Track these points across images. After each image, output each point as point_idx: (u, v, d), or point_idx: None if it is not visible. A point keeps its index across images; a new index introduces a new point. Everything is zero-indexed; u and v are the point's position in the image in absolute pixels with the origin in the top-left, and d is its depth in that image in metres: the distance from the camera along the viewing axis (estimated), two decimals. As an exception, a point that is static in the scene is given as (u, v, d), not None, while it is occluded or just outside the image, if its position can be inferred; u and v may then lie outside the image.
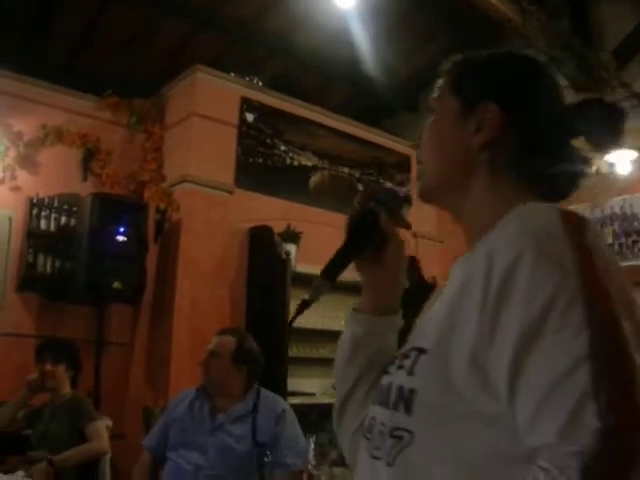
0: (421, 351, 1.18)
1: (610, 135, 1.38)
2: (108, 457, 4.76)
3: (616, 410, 0.87)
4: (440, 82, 1.45)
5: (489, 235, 1.16)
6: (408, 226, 1.55)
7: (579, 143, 1.36)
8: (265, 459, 3.82)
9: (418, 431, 1.13)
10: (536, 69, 1.39)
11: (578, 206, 8.97)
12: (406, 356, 1.23)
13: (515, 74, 1.38)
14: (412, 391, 1.15)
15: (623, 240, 8.70)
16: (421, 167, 1.45)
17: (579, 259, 0.99)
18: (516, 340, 0.97)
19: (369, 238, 1.46)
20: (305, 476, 4.00)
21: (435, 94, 1.45)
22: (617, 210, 8.82)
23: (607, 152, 1.52)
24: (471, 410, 1.06)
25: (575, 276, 0.97)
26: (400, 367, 1.23)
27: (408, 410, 1.15)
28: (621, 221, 8.76)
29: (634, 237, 8.64)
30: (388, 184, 7.83)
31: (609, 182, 8.60)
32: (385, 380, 1.29)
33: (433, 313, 1.25)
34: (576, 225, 1.06)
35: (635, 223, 8.65)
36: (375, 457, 1.20)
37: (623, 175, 8.27)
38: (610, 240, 8.76)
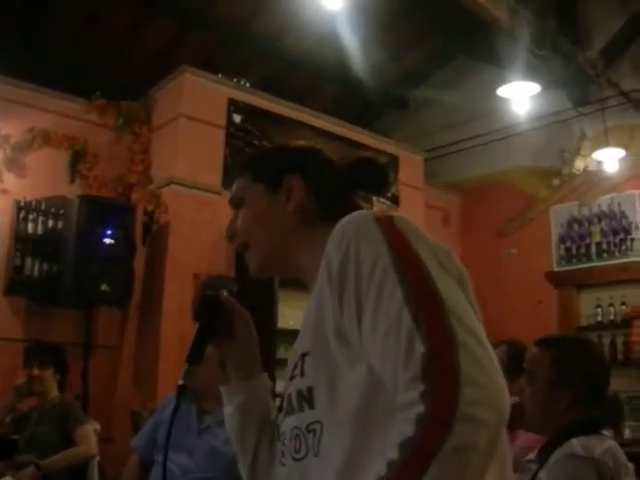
0: (304, 354, 1.38)
1: (378, 185, 1.70)
2: (96, 461, 4.76)
3: (430, 333, 1.09)
4: (238, 180, 1.70)
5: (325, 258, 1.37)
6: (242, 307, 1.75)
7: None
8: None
9: (323, 417, 1.30)
10: (313, 148, 1.75)
11: (567, 205, 9.02)
12: (295, 366, 1.40)
13: (301, 152, 1.71)
14: (309, 389, 1.34)
15: (611, 238, 8.74)
16: (246, 253, 1.67)
17: (389, 240, 1.24)
18: (355, 306, 1.22)
19: (215, 318, 1.68)
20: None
21: (236, 190, 1.70)
22: (605, 208, 8.85)
23: (381, 195, 1.82)
24: (347, 364, 1.27)
25: (387, 252, 1.21)
26: (292, 377, 1.41)
27: (311, 405, 1.33)
28: (609, 219, 8.80)
29: (622, 235, 8.68)
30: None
31: (597, 180, 8.64)
32: (284, 392, 1.46)
33: (303, 325, 1.45)
34: (384, 218, 1.30)
35: (623, 221, 8.68)
36: (297, 459, 1.36)
37: (610, 173, 8.30)
38: (598, 238, 8.79)
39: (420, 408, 1.03)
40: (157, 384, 6.25)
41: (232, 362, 1.74)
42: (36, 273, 6.40)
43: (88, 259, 6.20)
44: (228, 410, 1.74)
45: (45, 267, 6.43)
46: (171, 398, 4.19)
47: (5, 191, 6.49)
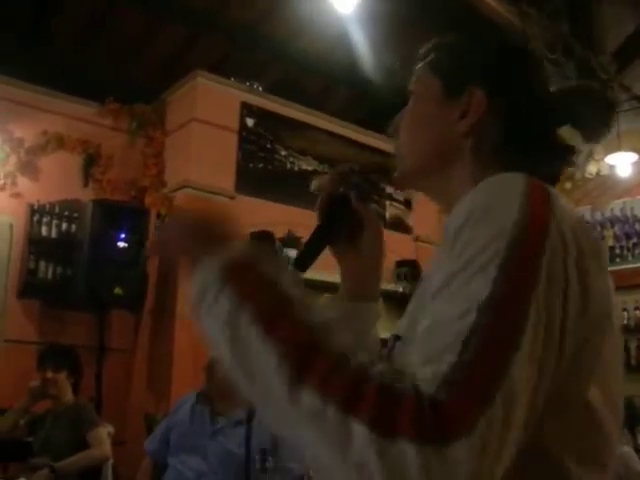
0: (397, 338, 1.19)
1: (599, 125, 1.34)
2: (110, 463, 4.76)
3: (467, 374, 0.84)
4: (419, 65, 1.40)
5: None
6: (380, 212, 1.49)
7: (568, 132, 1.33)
8: (267, 464, 3.80)
9: None
10: (522, 53, 1.35)
11: (579, 209, 8.99)
12: (385, 345, 1.23)
13: (500, 58, 1.32)
14: None
15: (624, 243, 8.72)
16: (399, 152, 1.38)
17: (521, 226, 0.95)
18: (439, 282, 0.97)
19: (340, 224, 1.43)
20: (307, 480, 3.99)
21: (415, 76, 1.40)
22: (618, 213, 8.84)
23: (596, 142, 1.40)
24: None
25: (507, 240, 0.94)
26: (380, 358, 1.13)
27: None
28: (622, 224, 8.78)
29: (635, 240, 8.66)
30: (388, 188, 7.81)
31: (610, 185, 8.61)
32: None
33: (410, 303, 1.24)
34: (539, 196, 1.01)
35: (636, 225, 8.67)
36: None
37: (623, 178, 8.27)
38: (611, 242, 8.76)
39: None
40: (170, 387, 6.26)
41: (347, 275, 1.48)
42: (50, 276, 6.43)
43: (102, 262, 6.22)
44: None
45: (59, 270, 6.46)
46: (185, 400, 4.20)
47: (19, 194, 6.52)
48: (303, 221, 7.03)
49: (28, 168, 6.63)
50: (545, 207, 0.99)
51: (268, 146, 7.51)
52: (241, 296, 0.94)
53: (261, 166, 7.42)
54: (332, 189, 1.45)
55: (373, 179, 1.44)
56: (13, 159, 6.54)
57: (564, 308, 0.94)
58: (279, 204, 7.33)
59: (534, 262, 0.93)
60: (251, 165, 7.33)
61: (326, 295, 1.55)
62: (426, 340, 0.91)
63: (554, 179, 1.28)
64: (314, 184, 7.83)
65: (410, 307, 1.20)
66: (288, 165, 7.67)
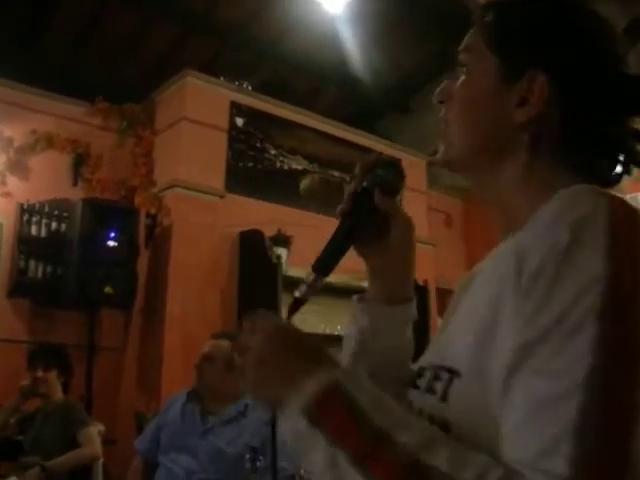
0: (453, 372, 0.98)
1: None
2: (100, 462, 4.76)
3: (589, 464, 0.75)
4: (473, 32, 1.19)
5: (522, 230, 0.96)
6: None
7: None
8: (258, 463, 3.81)
9: None
10: (597, 30, 1.14)
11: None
12: (437, 377, 1.02)
13: (571, 36, 1.10)
14: (445, 424, 0.96)
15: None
16: (446, 130, 1.19)
17: (613, 266, 0.82)
18: (517, 345, 0.84)
19: (363, 222, 1.25)
20: None
21: (466, 45, 1.19)
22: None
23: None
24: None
25: (600, 288, 0.81)
26: (430, 390, 1.04)
27: None
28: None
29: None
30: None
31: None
32: (416, 397, 1.10)
33: (463, 318, 1.05)
34: (625, 221, 0.88)
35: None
36: None
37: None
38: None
39: None
40: (161, 386, 6.26)
41: (376, 276, 1.31)
42: (40, 275, 6.42)
43: (91, 262, 6.22)
44: (349, 329, 1.33)
45: (49, 269, 6.46)
46: (176, 399, 4.21)
47: (8, 194, 6.51)
48: (293, 220, 7.07)
49: (17, 167, 6.63)
50: (632, 240, 0.86)
51: (258, 145, 7.52)
52: (334, 438, 0.86)
53: (251, 165, 7.42)
54: (356, 184, 1.26)
55: (399, 169, 1.28)
56: (2, 158, 6.54)
57: None
58: (269, 203, 7.34)
59: (637, 318, 0.81)
60: (241, 164, 7.34)
61: (355, 296, 1.32)
62: (531, 426, 0.80)
63: (619, 177, 1.15)
64: (302, 184, 7.84)
65: (466, 332, 0.98)
66: (278, 164, 7.68)
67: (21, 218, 6.41)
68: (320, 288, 1.21)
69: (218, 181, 7.10)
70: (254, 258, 6.84)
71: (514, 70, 1.09)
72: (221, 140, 7.25)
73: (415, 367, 1.16)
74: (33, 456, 4.51)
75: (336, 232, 1.25)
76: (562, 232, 0.86)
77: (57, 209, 6.59)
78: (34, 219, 6.48)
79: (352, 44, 8.26)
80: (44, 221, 6.52)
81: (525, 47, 1.10)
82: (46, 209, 6.54)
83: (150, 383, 6.51)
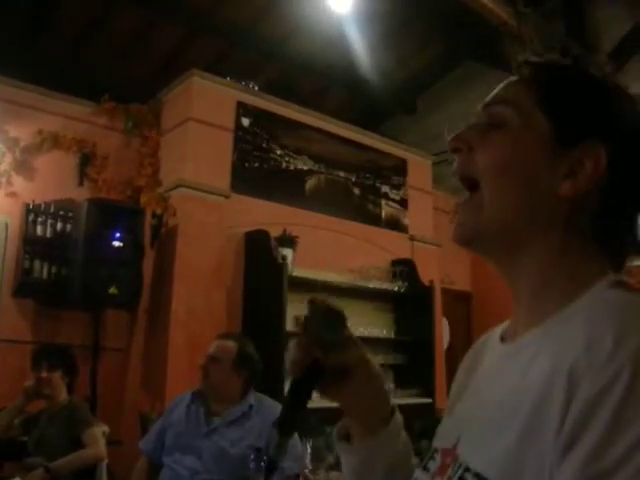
0: (479, 477, 0.91)
1: None
2: (105, 463, 4.75)
3: None
4: (515, 85, 1.10)
5: (561, 321, 0.91)
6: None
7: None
8: (262, 464, 3.80)
9: None
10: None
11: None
12: (457, 468, 0.97)
13: (626, 112, 1.03)
14: None
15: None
16: (472, 197, 1.07)
17: None
18: (580, 475, 0.76)
19: (315, 382, 1.20)
20: (302, 480, 3.99)
21: (507, 98, 1.09)
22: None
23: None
24: None
25: None
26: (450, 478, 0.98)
27: None
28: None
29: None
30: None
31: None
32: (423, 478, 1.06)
33: (487, 415, 0.97)
34: None
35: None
36: None
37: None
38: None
39: None
40: (165, 386, 6.25)
41: (347, 412, 1.25)
42: (45, 275, 6.42)
43: (97, 262, 6.21)
44: (345, 468, 1.27)
45: (54, 270, 6.45)
46: (180, 399, 4.20)
47: (14, 194, 6.51)
48: (298, 220, 7.06)
49: (23, 167, 6.62)
50: None
51: (263, 145, 7.51)
52: None
53: (256, 165, 7.41)
54: (300, 359, 1.17)
55: (338, 316, 1.20)
56: (8, 158, 6.53)
57: None
58: (274, 203, 7.34)
59: None
60: (246, 164, 7.33)
61: (339, 437, 1.28)
62: None
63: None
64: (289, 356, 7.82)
65: (496, 438, 0.91)
66: (283, 164, 7.67)
67: (26, 218, 6.41)
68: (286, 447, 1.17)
69: (224, 181, 7.09)
70: (259, 258, 6.83)
71: (570, 136, 1.00)
72: (227, 140, 7.24)
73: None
74: (37, 457, 4.50)
75: (289, 397, 1.19)
76: (624, 361, 0.78)
77: (63, 209, 6.58)
78: (39, 219, 6.47)
79: (358, 44, 8.25)
80: (49, 221, 6.51)
81: (585, 113, 1.02)
82: (52, 209, 6.54)
83: (155, 383, 6.50)
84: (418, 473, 1.09)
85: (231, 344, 4.12)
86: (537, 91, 1.05)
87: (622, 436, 0.74)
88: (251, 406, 3.98)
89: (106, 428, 4.97)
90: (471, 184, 1.06)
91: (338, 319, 1.19)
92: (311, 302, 1.19)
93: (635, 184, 1.00)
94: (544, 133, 1.01)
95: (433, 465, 1.04)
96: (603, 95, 1.03)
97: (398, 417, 1.25)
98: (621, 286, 0.91)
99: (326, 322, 1.20)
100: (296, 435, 4.01)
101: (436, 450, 1.07)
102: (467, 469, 0.94)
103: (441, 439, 1.09)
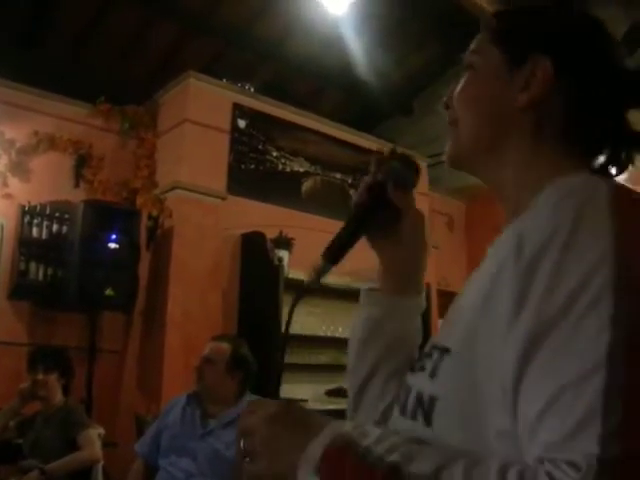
0: (444, 350, 1.00)
1: None
2: (100, 465, 4.74)
3: (623, 437, 0.73)
4: (480, 35, 1.24)
5: (523, 214, 0.99)
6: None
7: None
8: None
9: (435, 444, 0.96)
10: (596, 25, 1.18)
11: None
12: (428, 355, 1.04)
13: (572, 27, 1.17)
14: (432, 399, 0.98)
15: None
16: (452, 128, 1.24)
17: (621, 244, 0.83)
18: (528, 332, 0.83)
19: (374, 213, 1.29)
20: None
21: (472, 48, 1.24)
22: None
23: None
24: (494, 427, 0.89)
25: (611, 264, 0.81)
26: (421, 368, 1.04)
27: (428, 420, 0.98)
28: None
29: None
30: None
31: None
32: (407, 381, 1.10)
33: (457, 307, 1.06)
34: (628, 203, 0.92)
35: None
36: None
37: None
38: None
39: None
40: (161, 388, 6.24)
41: (384, 267, 1.36)
42: (40, 277, 6.40)
43: (93, 264, 6.19)
44: (357, 319, 1.36)
45: (49, 271, 6.44)
46: (176, 402, 4.20)
47: (10, 195, 6.50)
48: (294, 222, 7.05)
49: (19, 169, 6.61)
50: (635, 222, 0.89)
51: (260, 147, 7.51)
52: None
53: (253, 167, 7.41)
54: (371, 177, 1.30)
55: (414, 164, 1.33)
56: (4, 160, 6.52)
57: None
58: (271, 205, 7.33)
59: None
60: (243, 166, 7.32)
61: (367, 285, 1.37)
62: (555, 412, 0.78)
63: (623, 168, 1.17)
64: (304, 186, 7.83)
65: (461, 314, 1.01)
66: (280, 166, 7.66)
67: (22, 220, 6.39)
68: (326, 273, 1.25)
69: (220, 183, 7.08)
70: (256, 260, 6.83)
71: (517, 55, 1.15)
72: (223, 142, 7.24)
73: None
74: (32, 459, 4.50)
75: (348, 222, 1.28)
76: (564, 215, 0.88)
77: (58, 211, 6.57)
78: (35, 221, 6.46)
79: (355, 46, 8.25)
80: (45, 223, 6.50)
81: (527, 32, 1.17)
82: (47, 211, 6.53)
83: (151, 385, 6.49)
84: (407, 375, 1.12)
85: (225, 346, 4.12)
86: (490, 31, 1.22)
87: (562, 286, 0.83)
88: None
89: (102, 430, 4.96)
90: (454, 123, 1.24)
91: (416, 167, 1.33)
92: (394, 149, 1.36)
93: (587, 87, 1.12)
94: (497, 60, 1.17)
95: (417, 364, 1.08)
96: (543, 15, 1.19)
97: (424, 300, 1.37)
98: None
99: (405, 163, 1.31)
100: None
101: (423, 352, 1.11)
102: (434, 346, 1.03)
103: (430, 342, 1.12)
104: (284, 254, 6.77)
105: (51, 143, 6.80)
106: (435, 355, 1.02)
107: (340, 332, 7.22)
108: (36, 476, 4.27)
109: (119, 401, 6.84)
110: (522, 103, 1.12)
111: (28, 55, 7.26)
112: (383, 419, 1.24)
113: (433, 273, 8.64)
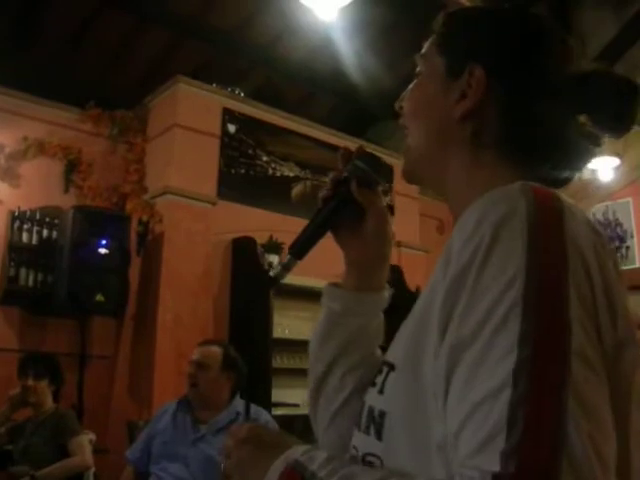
0: (390, 367, 1.05)
1: (619, 115, 1.14)
2: (92, 471, 4.74)
3: (520, 453, 0.75)
4: (428, 43, 1.26)
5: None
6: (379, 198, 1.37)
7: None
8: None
9: (387, 459, 1.01)
10: (538, 28, 1.17)
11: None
12: (380, 371, 1.09)
13: (510, 32, 1.16)
14: (382, 414, 1.03)
15: (606, 247, 8.74)
16: (406, 140, 1.27)
17: (533, 262, 0.85)
18: (451, 348, 0.87)
19: (339, 209, 1.31)
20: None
21: (421, 53, 1.27)
22: (600, 216, 8.88)
23: (615, 136, 1.19)
24: (435, 438, 0.92)
25: (521, 282, 0.83)
26: (373, 384, 1.09)
27: (379, 435, 1.03)
28: (604, 227, 8.81)
29: (617, 243, 8.71)
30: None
31: (592, 189, 8.65)
32: (363, 396, 1.15)
33: (406, 321, 1.09)
34: (548, 214, 0.91)
35: (617, 229, 8.71)
36: None
37: (605, 182, 8.31)
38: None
39: None
40: (152, 394, 6.23)
41: (347, 263, 1.37)
42: (30, 283, 6.39)
43: (83, 269, 6.18)
44: (321, 313, 1.37)
45: (40, 277, 6.43)
46: (166, 408, 4.19)
47: (-1, 201, 6.49)
48: (285, 227, 7.04)
49: (8, 174, 6.59)
50: (558, 230, 0.89)
51: (250, 152, 7.51)
52: None
53: (243, 172, 7.41)
54: (336, 174, 1.34)
55: (379, 162, 1.35)
56: (-7, 165, 6.51)
57: (601, 346, 0.85)
58: (261, 210, 7.33)
59: (558, 307, 0.83)
60: (233, 171, 7.32)
61: (330, 282, 1.39)
62: (470, 426, 0.81)
63: (569, 176, 1.19)
64: (294, 191, 7.82)
65: (406, 330, 1.06)
66: (270, 171, 7.66)
67: (12, 225, 6.38)
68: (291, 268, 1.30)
69: (210, 188, 7.08)
70: (246, 265, 6.82)
71: (455, 66, 1.16)
72: (213, 147, 7.24)
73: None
74: (23, 466, 4.49)
75: (314, 218, 1.32)
76: (484, 232, 0.89)
77: (48, 216, 6.56)
78: (25, 226, 6.44)
79: (345, 50, 8.25)
80: (35, 228, 6.48)
81: (464, 43, 1.17)
82: (37, 216, 6.51)
83: (142, 391, 6.47)
84: (369, 390, 1.14)
85: (216, 349, 4.13)
86: (435, 37, 1.24)
87: (477, 305, 0.85)
88: (238, 413, 3.98)
89: (93, 436, 4.96)
90: (405, 130, 1.28)
91: (383, 168, 1.34)
92: (361, 147, 1.36)
93: (521, 95, 1.11)
94: (439, 69, 1.19)
95: (380, 378, 1.10)
96: (481, 21, 1.20)
97: (386, 297, 1.40)
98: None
99: (370, 161, 1.33)
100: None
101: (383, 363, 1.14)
102: (385, 362, 1.08)
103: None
104: (274, 259, 6.78)
105: (40, 148, 6.79)
106: (384, 371, 1.06)
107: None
108: (27, 482, 4.26)
109: (110, 407, 6.82)
110: (459, 114, 1.14)
111: (17, 59, 7.23)
112: (347, 406, 1.28)
113: (423, 277, 8.64)
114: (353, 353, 1.32)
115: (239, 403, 4.08)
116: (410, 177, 1.29)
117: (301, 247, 1.30)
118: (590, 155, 1.17)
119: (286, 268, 1.29)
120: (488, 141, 1.13)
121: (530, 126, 1.12)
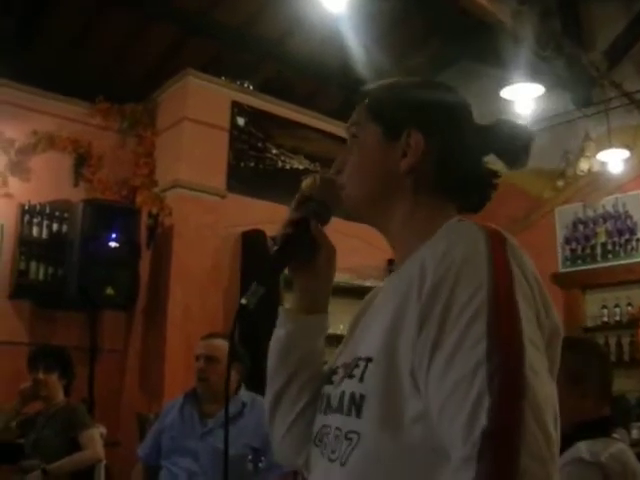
0: (368, 360, 1.27)
1: (519, 153, 1.46)
2: (103, 465, 4.74)
3: (499, 409, 1.01)
4: (357, 109, 1.52)
5: (421, 249, 1.29)
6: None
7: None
8: (260, 465, 3.80)
9: (364, 432, 1.22)
10: (455, 96, 1.49)
11: (571, 206, 9.00)
12: (356, 366, 1.30)
13: (433, 101, 1.45)
14: (362, 396, 1.25)
15: (616, 239, 8.71)
16: (345, 193, 1.49)
17: (494, 276, 1.13)
18: (434, 338, 1.13)
19: (301, 245, 1.50)
20: (299, 477, 3.98)
21: (353, 120, 1.52)
22: (610, 209, 8.82)
23: (516, 168, 1.51)
24: (409, 412, 1.17)
25: (486, 290, 1.12)
26: (350, 376, 1.31)
27: (359, 414, 1.24)
28: (614, 220, 8.77)
29: (627, 236, 8.65)
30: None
31: (601, 181, 8.61)
32: (330, 390, 1.39)
33: (372, 323, 1.35)
34: (497, 244, 1.20)
35: (628, 221, 8.66)
36: (331, 460, 1.29)
37: (615, 174, 8.27)
38: (603, 239, 8.77)
39: None
40: (163, 387, 6.25)
41: (299, 290, 1.59)
42: (41, 277, 6.41)
43: (93, 263, 6.20)
44: (277, 333, 1.62)
45: (50, 271, 6.44)
46: (173, 404, 4.20)
47: (9, 195, 6.50)
48: (295, 220, 7.02)
49: (18, 168, 6.61)
50: (505, 254, 1.18)
51: (259, 145, 7.50)
52: None
53: (252, 165, 7.41)
54: (294, 214, 1.55)
55: (328, 204, 1.53)
56: (3, 159, 6.52)
57: (540, 330, 1.17)
58: (270, 203, 7.30)
59: (512, 306, 1.12)
60: (242, 164, 7.32)
61: (283, 307, 1.64)
62: (452, 405, 1.07)
63: (483, 203, 1.47)
64: (303, 184, 7.81)
65: (378, 329, 1.29)
66: (279, 164, 7.66)
67: (22, 219, 6.40)
68: (261, 296, 1.48)
69: (220, 181, 7.08)
70: (256, 258, 6.81)
71: (394, 131, 1.42)
72: (222, 140, 7.23)
73: (327, 369, 1.49)
74: (34, 459, 4.49)
75: (275, 252, 1.50)
76: (456, 255, 1.18)
77: (58, 210, 6.58)
78: (35, 220, 6.46)
79: (354, 44, 8.23)
80: (45, 222, 6.50)
81: (399, 112, 1.44)
82: (47, 210, 6.53)
83: (152, 384, 6.49)
84: (325, 388, 1.43)
85: (221, 342, 4.13)
86: (367, 108, 1.49)
87: (454, 304, 1.13)
88: (244, 404, 3.99)
89: (103, 429, 4.96)
90: (342, 187, 1.51)
91: (338, 199, 1.52)
92: (322, 175, 1.61)
93: (449, 146, 1.40)
94: (378, 136, 1.44)
95: (337, 377, 1.38)
96: (411, 95, 1.47)
97: (327, 319, 1.59)
98: (459, 221, 1.33)
99: (321, 204, 1.54)
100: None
101: (337, 367, 1.41)
102: (359, 358, 1.30)
103: (342, 358, 1.42)
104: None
105: (50, 142, 6.80)
106: (361, 364, 1.28)
107: (341, 329, 7.20)
108: (38, 476, 4.26)
109: (121, 400, 6.84)
110: (404, 169, 1.39)
111: (26, 55, 7.24)
112: (302, 417, 1.51)
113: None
114: (307, 369, 1.53)
115: (245, 394, 4.08)
116: (352, 216, 1.53)
117: (267, 278, 1.51)
118: (493, 187, 1.46)
119: (255, 295, 1.47)
120: (426, 186, 1.40)
121: (456, 171, 1.41)
